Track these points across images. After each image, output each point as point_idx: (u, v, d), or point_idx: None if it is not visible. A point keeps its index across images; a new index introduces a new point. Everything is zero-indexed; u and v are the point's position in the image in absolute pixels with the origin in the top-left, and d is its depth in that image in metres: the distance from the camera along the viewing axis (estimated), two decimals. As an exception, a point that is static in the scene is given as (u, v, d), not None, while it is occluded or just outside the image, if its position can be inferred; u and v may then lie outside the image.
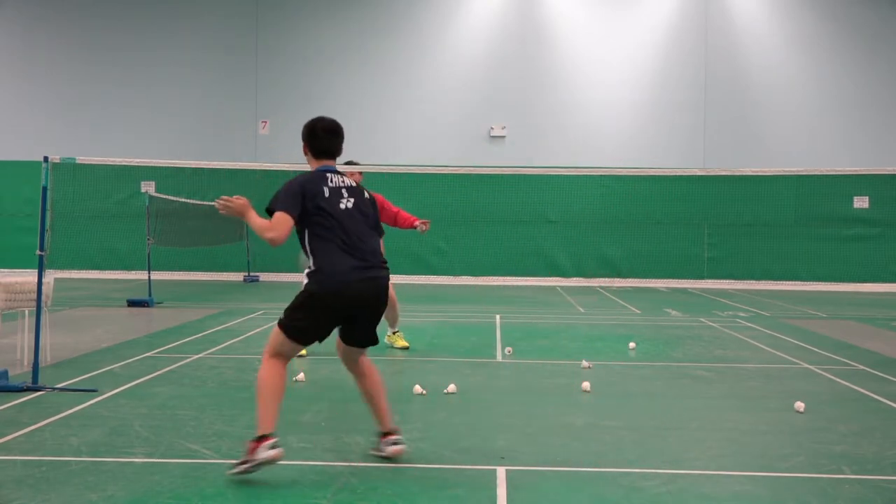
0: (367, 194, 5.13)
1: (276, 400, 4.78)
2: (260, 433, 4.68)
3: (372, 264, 4.90)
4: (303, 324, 4.84)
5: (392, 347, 9.37)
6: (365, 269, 4.85)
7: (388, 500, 4.44)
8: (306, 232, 4.88)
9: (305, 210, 4.82)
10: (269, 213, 4.86)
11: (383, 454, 5.07)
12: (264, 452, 4.60)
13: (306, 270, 4.93)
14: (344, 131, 5.20)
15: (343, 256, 4.81)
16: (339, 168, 9.04)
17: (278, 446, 4.67)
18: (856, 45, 22.03)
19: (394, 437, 5.09)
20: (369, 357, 5.25)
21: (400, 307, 9.50)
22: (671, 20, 22.25)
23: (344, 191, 4.96)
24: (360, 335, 5.06)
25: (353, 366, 5.19)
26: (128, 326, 11.42)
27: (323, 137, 5.10)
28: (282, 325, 4.90)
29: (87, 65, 22.56)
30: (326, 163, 5.12)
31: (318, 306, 4.81)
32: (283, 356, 4.89)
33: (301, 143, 5.16)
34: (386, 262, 5.06)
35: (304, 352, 8.85)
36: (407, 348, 9.44)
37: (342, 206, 4.90)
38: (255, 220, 4.84)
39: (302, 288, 4.95)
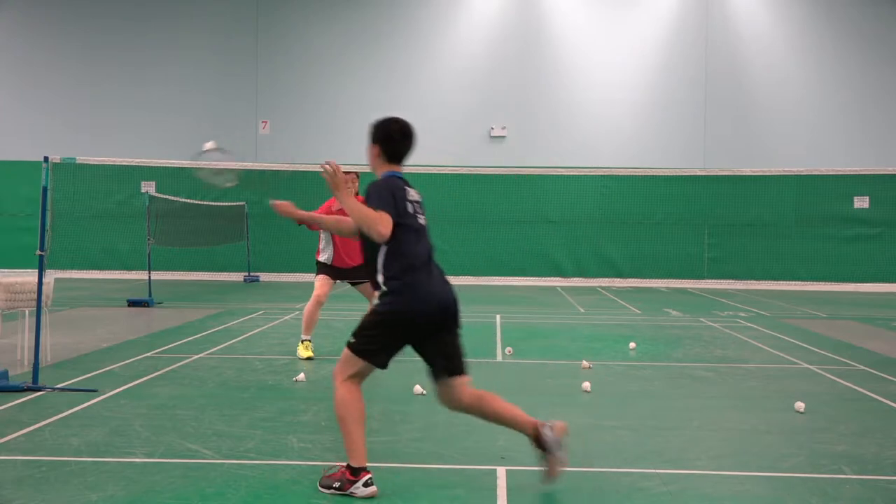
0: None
1: (363, 426, 4.53)
2: (356, 464, 4.48)
3: (445, 279, 4.71)
4: (377, 346, 4.56)
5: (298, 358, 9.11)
6: (443, 285, 4.65)
7: (388, 500, 4.44)
8: (391, 243, 4.51)
9: (396, 219, 4.49)
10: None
11: (551, 444, 4.60)
12: (365, 490, 4.43)
13: (383, 288, 4.58)
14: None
15: (429, 271, 4.59)
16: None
17: (373, 483, 4.47)
18: (856, 45, 22.02)
19: (547, 424, 4.67)
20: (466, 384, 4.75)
21: None
22: (671, 20, 22.25)
23: (418, 205, 4.70)
24: (442, 357, 4.66)
25: (461, 402, 4.71)
26: (128, 326, 11.42)
27: (401, 141, 4.77)
28: (353, 347, 4.59)
29: (87, 65, 22.56)
30: (397, 169, 4.78)
31: (401, 325, 4.53)
32: (360, 377, 4.60)
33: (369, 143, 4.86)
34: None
35: (311, 353, 8.83)
36: (311, 359, 8.94)
37: (421, 220, 4.67)
38: (356, 203, 4.47)
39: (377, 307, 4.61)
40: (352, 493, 4.45)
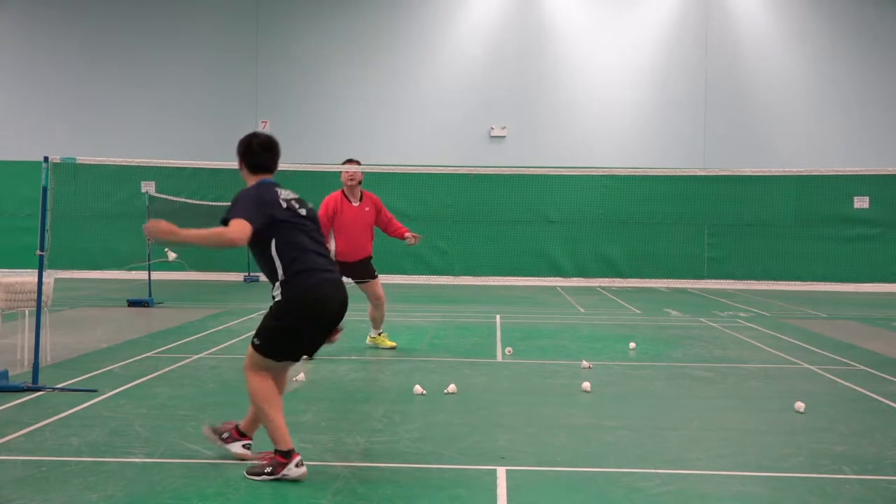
0: (309, 204, 5.09)
1: (281, 410, 4.85)
2: (285, 448, 4.71)
3: (336, 271, 4.95)
4: (284, 342, 4.84)
5: (378, 348, 9.35)
6: (335, 277, 4.89)
7: (388, 500, 4.44)
8: (273, 241, 4.76)
9: (268, 220, 4.73)
10: (224, 222, 4.71)
11: (216, 443, 5.15)
12: (296, 470, 4.67)
13: (276, 285, 4.79)
14: (279, 147, 5.14)
15: (313, 269, 4.78)
16: (341, 167, 8.99)
17: (303, 464, 4.72)
18: (856, 45, 22.02)
19: (242, 439, 5.14)
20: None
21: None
22: (671, 20, 22.25)
23: (294, 202, 4.93)
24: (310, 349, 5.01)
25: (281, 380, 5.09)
26: (128, 326, 11.42)
27: (260, 153, 5.04)
28: (258, 347, 4.85)
29: (87, 65, 22.55)
30: (265, 177, 5.06)
31: (298, 320, 4.75)
32: (269, 371, 4.91)
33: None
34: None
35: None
36: (394, 348, 9.39)
37: (302, 212, 4.90)
38: (194, 233, 4.61)
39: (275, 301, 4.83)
40: (284, 475, 4.64)
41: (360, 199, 9.18)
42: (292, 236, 4.77)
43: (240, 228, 4.59)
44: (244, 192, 4.86)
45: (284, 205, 4.83)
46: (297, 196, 5.02)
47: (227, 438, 5.09)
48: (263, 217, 4.69)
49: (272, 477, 4.65)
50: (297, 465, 4.65)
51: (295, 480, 4.64)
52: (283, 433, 4.72)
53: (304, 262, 4.75)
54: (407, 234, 9.30)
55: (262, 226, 4.68)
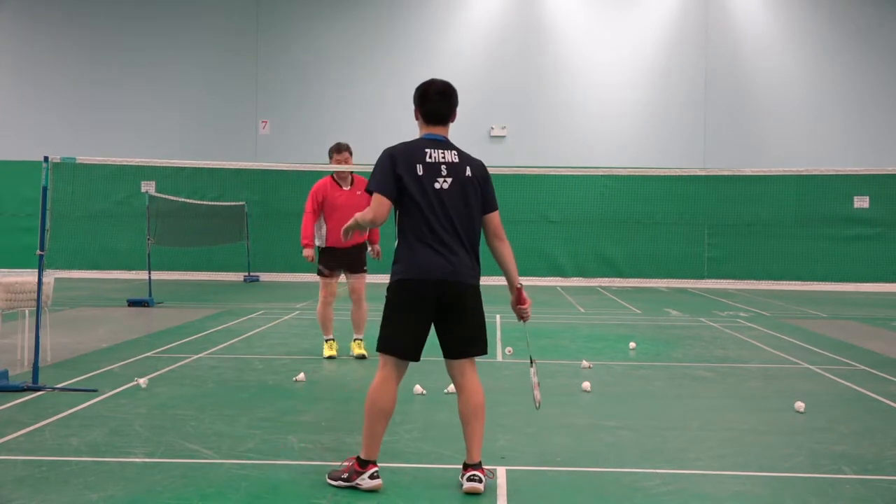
0: (469, 170, 4.60)
1: (386, 421, 4.58)
2: (365, 456, 4.54)
3: (452, 253, 4.52)
4: (393, 331, 4.54)
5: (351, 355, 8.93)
6: (444, 263, 4.50)
7: (388, 500, 4.44)
8: (397, 214, 4.53)
9: (399, 188, 4.45)
10: (369, 191, 4.56)
11: (462, 488, 4.56)
12: (370, 482, 4.49)
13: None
14: (457, 94, 4.73)
15: (424, 250, 4.47)
16: (335, 168, 8.77)
17: (378, 476, 4.52)
18: (856, 45, 22.02)
19: (471, 473, 4.53)
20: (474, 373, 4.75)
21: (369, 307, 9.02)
22: (672, 20, 22.25)
23: (443, 167, 4.53)
24: (453, 340, 4.64)
25: (452, 376, 4.75)
26: (128, 326, 11.42)
27: (437, 101, 4.66)
28: (378, 344, 4.61)
29: (87, 65, 22.56)
30: (436, 130, 4.66)
31: (403, 304, 4.50)
32: (390, 369, 4.58)
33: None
34: (472, 246, 4.67)
35: (334, 353, 8.80)
36: (364, 357, 8.77)
37: (437, 185, 4.49)
38: (353, 219, 4.59)
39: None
40: (357, 484, 4.50)
41: (352, 184, 8.83)
42: (412, 210, 4.49)
43: (378, 205, 4.46)
44: (386, 153, 4.56)
45: (421, 170, 4.48)
46: (452, 161, 4.57)
47: (352, 477, 4.55)
48: (393, 182, 4.46)
49: (347, 484, 4.51)
50: (371, 477, 4.47)
51: (369, 491, 4.47)
52: (371, 441, 4.54)
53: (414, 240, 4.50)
54: (376, 245, 8.77)
55: (394, 191, 4.45)
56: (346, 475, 4.55)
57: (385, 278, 4.76)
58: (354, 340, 8.97)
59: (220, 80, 22.42)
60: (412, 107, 4.83)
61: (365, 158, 11.89)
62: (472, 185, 4.59)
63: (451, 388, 7.12)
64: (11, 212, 21.83)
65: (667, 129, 22.07)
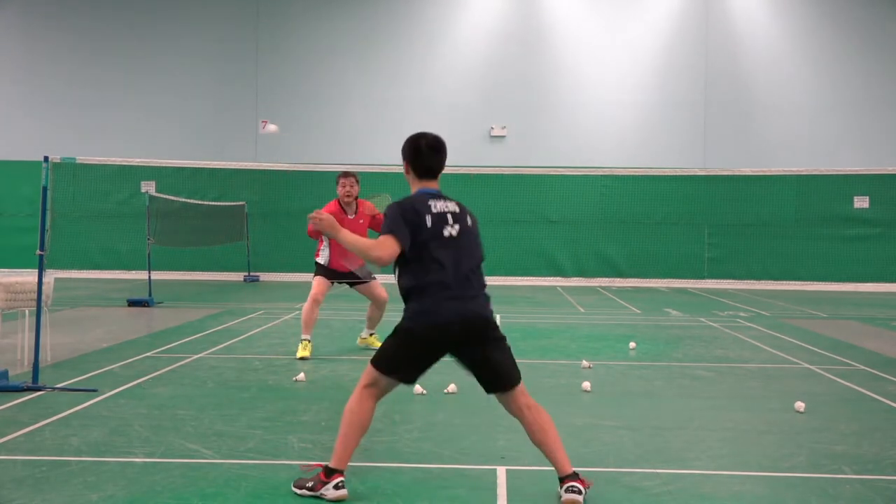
0: (469, 218, 4.75)
1: (361, 434, 4.53)
2: (332, 465, 4.47)
3: (471, 293, 4.56)
4: (398, 362, 4.51)
5: (371, 349, 9.18)
6: (464, 303, 4.50)
7: (388, 500, 4.44)
8: (401, 264, 4.52)
9: (411, 238, 4.47)
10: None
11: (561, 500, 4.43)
12: (334, 492, 4.39)
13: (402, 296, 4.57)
14: (446, 149, 4.84)
15: (441, 293, 4.46)
16: (342, 182, 8.81)
17: (344, 486, 4.43)
18: (856, 45, 22.03)
19: (569, 484, 4.40)
20: (526, 395, 4.68)
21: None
22: (672, 20, 22.26)
23: (449, 216, 4.61)
24: (490, 375, 4.61)
25: (511, 407, 4.66)
26: (128, 326, 11.42)
27: (429, 156, 4.75)
28: (373, 359, 4.57)
29: (87, 65, 22.56)
30: (429, 184, 4.76)
31: (414, 343, 4.49)
32: (379, 389, 4.55)
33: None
34: (483, 287, 4.71)
35: (307, 353, 8.84)
36: None
37: (446, 233, 4.54)
38: (350, 236, 4.52)
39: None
40: (322, 494, 4.42)
41: (356, 212, 9.02)
42: (429, 252, 4.48)
43: (387, 245, 4.38)
44: (399, 204, 4.56)
45: (430, 221, 4.51)
46: (455, 211, 4.66)
47: (316, 486, 4.48)
48: (407, 229, 4.45)
49: (311, 493, 4.43)
50: (335, 487, 4.40)
51: (333, 502, 4.39)
52: (343, 452, 4.48)
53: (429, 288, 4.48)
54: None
55: (407, 240, 4.44)
56: (310, 484, 4.46)
57: (385, 279, 4.75)
58: (372, 335, 9.26)
59: (220, 81, 22.42)
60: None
61: (365, 159, 11.97)
62: (474, 234, 4.73)
63: (452, 387, 7.13)
64: (11, 212, 21.83)
65: (666, 129, 22.08)
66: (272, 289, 18.29)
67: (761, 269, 21.32)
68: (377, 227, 9.20)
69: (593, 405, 6.80)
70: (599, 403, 6.86)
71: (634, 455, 5.32)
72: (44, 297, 7.59)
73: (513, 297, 17.19)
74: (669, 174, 20.95)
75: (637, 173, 21.85)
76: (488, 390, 4.65)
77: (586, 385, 7.36)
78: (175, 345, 9.63)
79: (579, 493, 4.36)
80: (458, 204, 4.77)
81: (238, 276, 21.20)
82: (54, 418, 6.01)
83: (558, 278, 21.41)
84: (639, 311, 14.53)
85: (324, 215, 4.61)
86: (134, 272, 20.29)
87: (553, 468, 4.52)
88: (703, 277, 21.40)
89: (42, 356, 7.55)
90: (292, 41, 22.43)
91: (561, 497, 4.40)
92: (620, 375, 8.16)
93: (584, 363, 8.52)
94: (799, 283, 20.96)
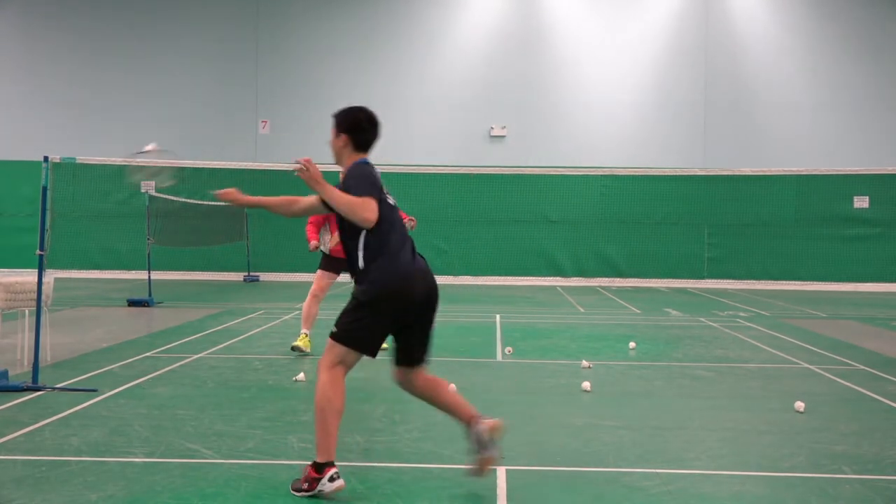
0: None
1: (339, 419, 4.46)
2: (321, 460, 4.40)
3: (423, 262, 4.63)
4: (367, 332, 4.50)
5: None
6: (422, 266, 4.59)
7: (388, 500, 4.44)
8: (374, 226, 4.48)
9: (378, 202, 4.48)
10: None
11: (482, 439, 4.54)
12: (330, 485, 4.33)
13: (363, 271, 4.51)
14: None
15: (406, 254, 4.52)
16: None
17: (339, 477, 4.37)
18: (856, 45, 22.03)
19: (481, 418, 4.60)
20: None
21: None
22: (671, 20, 22.26)
23: (386, 188, 4.70)
24: (423, 344, 4.66)
25: (417, 383, 4.72)
26: (128, 326, 11.42)
27: (369, 129, 4.84)
28: (337, 335, 4.53)
29: (87, 65, 22.56)
30: (364, 156, 4.79)
31: (387, 306, 4.46)
32: (346, 366, 4.53)
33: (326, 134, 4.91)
34: None
35: (305, 345, 8.88)
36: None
37: (391, 200, 4.66)
38: (337, 192, 4.46)
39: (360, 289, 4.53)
40: (320, 490, 4.35)
41: None
42: (390, 218, 4.55)
43: (372, 206, 4.40)
44: (359, 170, 4.60)
45: (385, 188, 4.65)
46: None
47: (311, 485, 4.41)
48: (377, 199, 4.46)
49: (308, 493, 4.37)
50: (330, 479, 4.33)
51: (332, 494, 4.34)
52: (329, 443, 4.41)
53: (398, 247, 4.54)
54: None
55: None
56: (305, 485, 4.40)
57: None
58: None
59: (220, 80, 22.43)
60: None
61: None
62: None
63: (452, 387, 7.12)
64: (11, 212, 21.83)
65: (666, 129, 22.08)
66: (272, 289, 18.29)
67: (761, 269, 21.32)
68: None
69: (593, 405, 6.80)
70: (599, 403, 6.86)
71: (634, 455, 5.32)
72: (44, 297, 7.59)
73: (513, 297, 17.19)
74: (669, 174, 20.96)
75: (637, 173, 21.87)
76: (404, 362, 4.67)
77: (586, 385, 7.35)
78: (175, 345, 9.63)
79: (486, 420, 4.56)
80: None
81: (238, 276, 21.21)
82: (54, 418, 6.00)
83: (558, 278, 21.41)
84: (638, 311, 14.52)
85: (311, 165, 4.54)
86: (134, 272, 20.29)
87: (464, 418, 4.61)
88: (702, 277, 21.40)
89: (42, 356, 7.54)
90: (292, 41, 22.44)
91: (478, 428, 4.54)
92: (620, 375, 8.16)
93: (584, 363, 8.52)
94: (799, 283, 20.96)
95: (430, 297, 4.59)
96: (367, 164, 4.73)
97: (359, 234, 4.52)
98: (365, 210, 4.38)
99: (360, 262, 4.52)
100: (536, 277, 21.34)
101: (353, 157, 4.78)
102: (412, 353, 4.66)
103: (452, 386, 4.87)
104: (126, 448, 5.28)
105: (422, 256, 4.70)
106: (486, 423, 4.56)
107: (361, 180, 4.52)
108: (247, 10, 22.51)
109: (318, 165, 4.60)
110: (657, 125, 22.12)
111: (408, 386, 4.75)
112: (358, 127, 4.84)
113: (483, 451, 4.55)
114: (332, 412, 4.40)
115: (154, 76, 22.48)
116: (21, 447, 5.28)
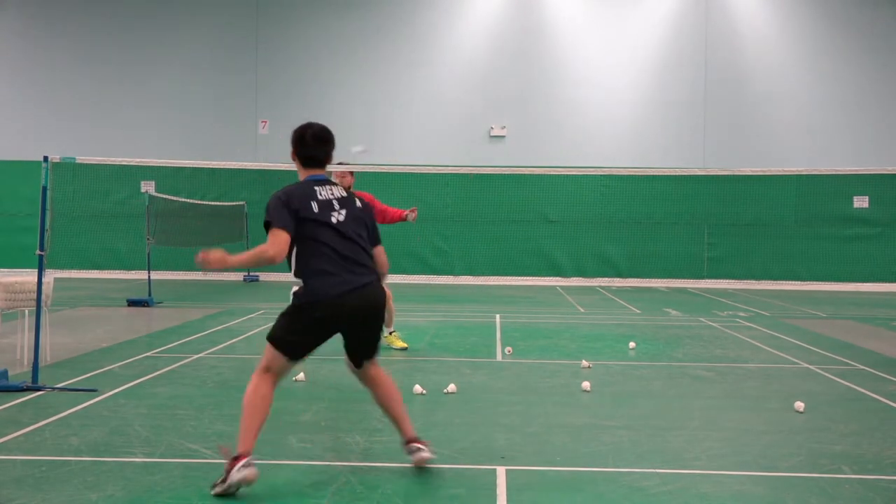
0: (358, 202, 4.92)
1: (260, 419, 4.58)
2: (241, 451, 4.48)
3: (362, 275, 4.71)
4: (293, 338, 4.69)
5: (390, 348, 9.33)
6: (356, 284, 4.66)
7: (388, 499, 4.44)
8: (294, 247, 4.69)
9: (296, 224, 4.65)
10: (266, 228, 4.66)
11: (413, 463, 4.88)
12: (237, 474, 4.35)
13: (294, 288, 4.77)
14: (334, 138, 5.00)
15: (333, 274, 4.63)
16: (332, 168, 8.94)
17: (252, 465, 4.40)
18: (856, 44, 22.03)
19: (416, 445, 4.87)
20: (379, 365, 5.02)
21: (399, 307, 9.47)
22: (671, 20, 22.25)
23: (335, 202, 4.77)
24: (363, 349, 4.88)
25: (364, 378, 4.99)
26: (128, 326, 11.42)
27: (313, 146, 4.91)
28: (269, 337, 4.75)
29: (87, 65, 22.56)
30: (314, 171, 4.93)
31: (308, 322, 4.66)
32: (273, 372, 4.71)
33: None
34: (374, 270, 4.86)
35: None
36: (406, 349, 9.37)
37: (333, 219, 4.70)
38: (242, 257, 4.63)
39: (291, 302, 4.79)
40: (228, 477, 4.37)
41: None
42: (317, 237, 4.66)
43: (276, 241, 4.57)
44: (275, 200, 4.71)
45: (316, 207, 4.69)
46: (342, 196, 4.83)
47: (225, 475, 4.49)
48: (291, 219, 4.62)
49: (223, 487, 4.38)
50: (240, 469, 4.35)
51: (241, 483, 4.35)
52: (244, 436, 4.52)
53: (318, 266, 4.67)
54: (405, 213, 9.19)
55: (292, 228, 4.62)
56: (220, 479, 4.41)
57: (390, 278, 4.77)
58: (391, 334, 9.37)
59: (220, 80, 22.42)
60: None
61: (365, 158, 12.04)
62: (362, 218, 4.88)
63: (452, 387, 7.13)
64: (11, 212, 21.83)
65: (667, 129, 22.08)
66: (272, 289, 18.29)
67: (761, 269, 21.32)
68: (380, 217, 9.24)
69: (593, 405, 6.80)
70: (599, 403, 6.86)
71: (634, 455, 5.32)
72: (43, 297, 7.59)
73: (513, 297, 17.19)
74: (669, 174, 20.97)
75: (637, 173, 21.89)
76: (349, 357, 4.94)
77: (586, 385, 7.36)
78: (175, 345, 9.64)
79: (424, 451, 4.84)
80: (347, 190, 4.96)
81: (238, 276, 21.21)
82: (54, 418, 6.01)
83: (558, 278, 21.41)
84: (638, 311, 14.52)
85: (210, 255, 4.62)
86: (134, 272, 20.29)
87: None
88: (702, 277, 21.40)
89: (42, 356, 7.55)
90: (292, 41, 22.43)
91: (412, 456, 4.85)
92: (620, 375, 8.16)
93: (584, 363, 8.52)
94: (799, 283, 20.96)
95: (362, 315, 4.74)
96: (308, 181, 4.85)
97: (291, 248, 4.73)
98: (266, 252, 4.57)
99: (292, 274, 4.77)
100: (536, 277, 21.34)
101: (303, 174, 4.94)
102: (352, 355, 4.92)
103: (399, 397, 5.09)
104: (126, 448, 5.28)
105: (372, 271, 4.79)
106: (418, 457, 4.86)
107: (274, 212, 4.66)
108: (247, 9, 22.50)
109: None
110: (657, 125, 22.11)
111: (358, 377, 5.03)
112: (300, 143, 4.97)
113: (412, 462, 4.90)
114: (253, 414, 4.59)
115: (154, 76, 22.48)
116: (21, 447, 5.28)
